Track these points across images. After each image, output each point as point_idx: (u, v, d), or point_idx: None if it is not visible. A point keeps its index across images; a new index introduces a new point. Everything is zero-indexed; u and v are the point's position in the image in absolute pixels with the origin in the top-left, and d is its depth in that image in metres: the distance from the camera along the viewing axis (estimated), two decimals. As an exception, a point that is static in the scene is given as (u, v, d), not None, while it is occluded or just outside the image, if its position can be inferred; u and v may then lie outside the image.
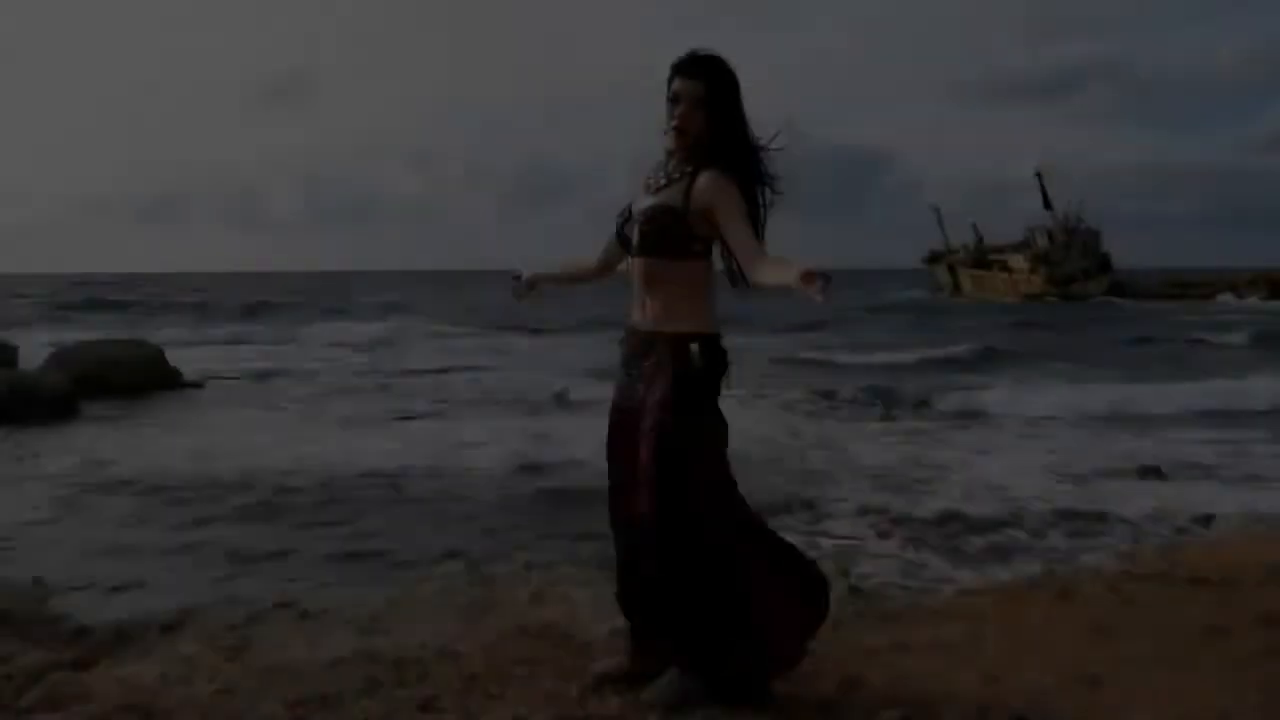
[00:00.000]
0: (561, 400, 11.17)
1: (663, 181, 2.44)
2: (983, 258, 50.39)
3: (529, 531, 5.35)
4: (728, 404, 2.49)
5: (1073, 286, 44.31)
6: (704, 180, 2.37)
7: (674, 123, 2.39)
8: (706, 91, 2.34)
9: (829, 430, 9.25)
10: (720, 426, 2.41)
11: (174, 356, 12.49)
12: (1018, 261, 46.95)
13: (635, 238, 2.44)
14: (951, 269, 52.40)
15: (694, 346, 2.38)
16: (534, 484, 6.64)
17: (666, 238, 2.37)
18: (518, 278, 2.66)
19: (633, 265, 2.47)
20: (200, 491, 6.33)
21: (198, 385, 12.21)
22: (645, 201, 2.45)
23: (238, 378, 13.76)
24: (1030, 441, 8.75)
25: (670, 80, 2.39)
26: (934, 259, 54.82)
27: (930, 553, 4.98)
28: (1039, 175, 47.70)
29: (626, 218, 2.49)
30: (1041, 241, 46.50)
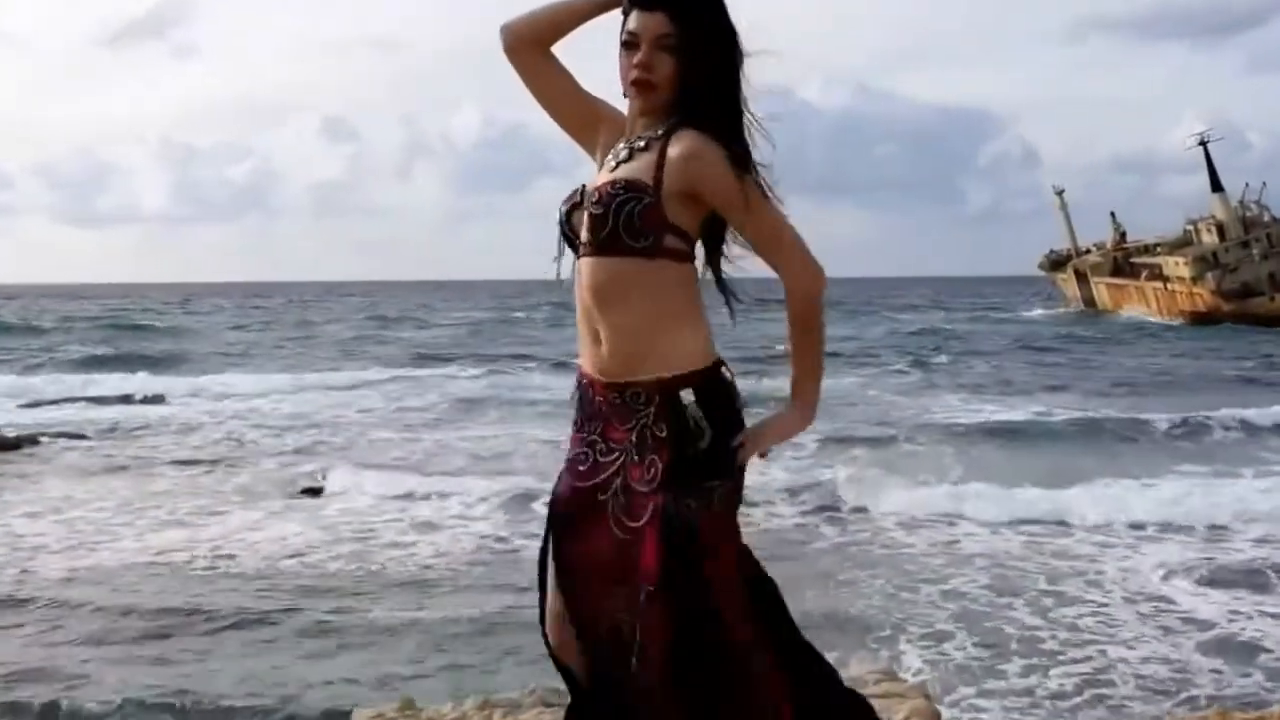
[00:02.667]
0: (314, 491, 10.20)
1: (623, 155, 2.29)
2: (1125, 261, 47.72)
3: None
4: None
5: (1252, 302, 39.90)
6: (683, 146, 2.22)
7: (632, 74, 2.25)
8: (673, 26, 2.22)
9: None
10: (737, 497, 2.27)
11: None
12: (1176, 266, 43.51)
13: (584, 231, 2.27)
14: (1082, 276, 49.96)
15: (687, 397, 2.22)
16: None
17: (631, 228, 2.20)
18: None
19: (580, 274, 2.28)
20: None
21: (15, 446, 12.43)
22: (601, 179, 2.29)
23: (82, 436, 13.75)
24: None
25: (625, 16, 2.28)
26: (1057, 264, 52.47)
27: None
28: (1204, 144, 43.75)
29: (576, 203, 2.31)
30: (1208, 238, 42.60)
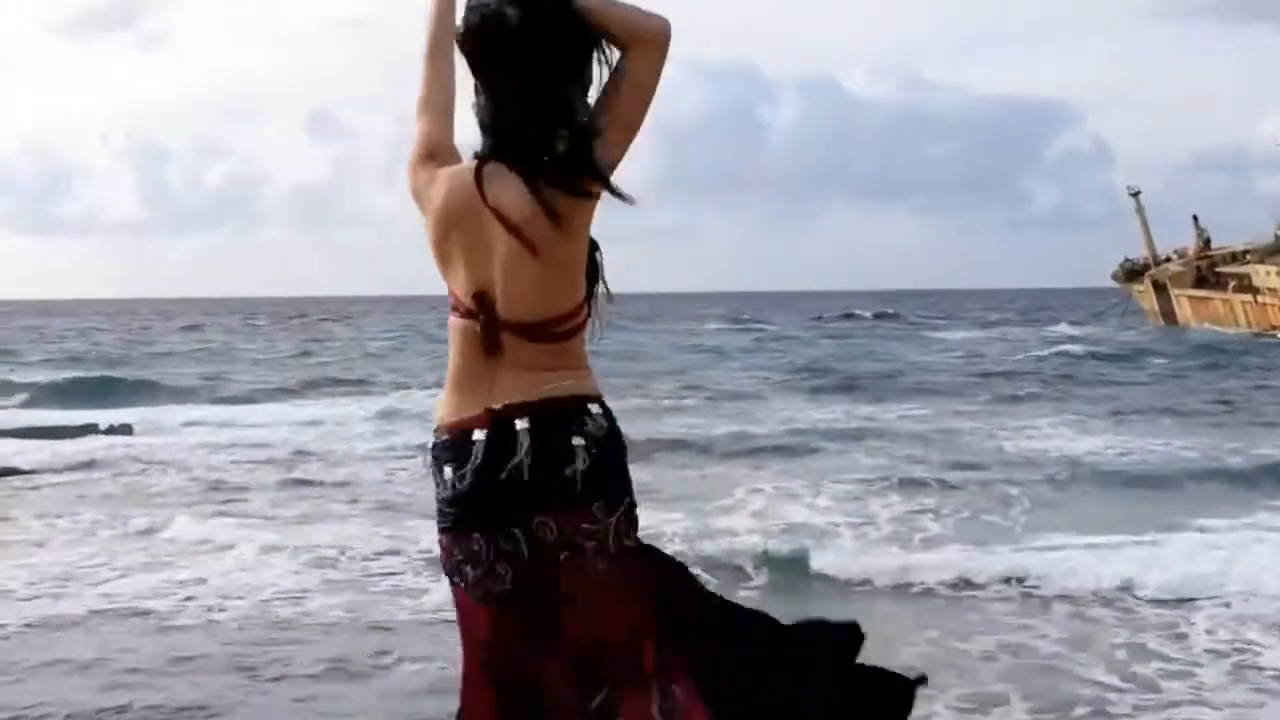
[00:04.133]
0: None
1: None
2: (1210, 270, 47.63)
3: None
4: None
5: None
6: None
7: None
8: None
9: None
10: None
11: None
12: (1267, 276, 43.64)
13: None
14: (1161, 288, 49.84)
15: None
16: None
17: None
18: None
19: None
20: None
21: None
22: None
23: (58, 471, 13.88)
24: None
25: None
26: (1133, 274, 52.36)
27: None
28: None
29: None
30: (1307, 245, 43.27)
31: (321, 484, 13.12)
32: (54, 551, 9.53)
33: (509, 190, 2.55)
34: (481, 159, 2.59)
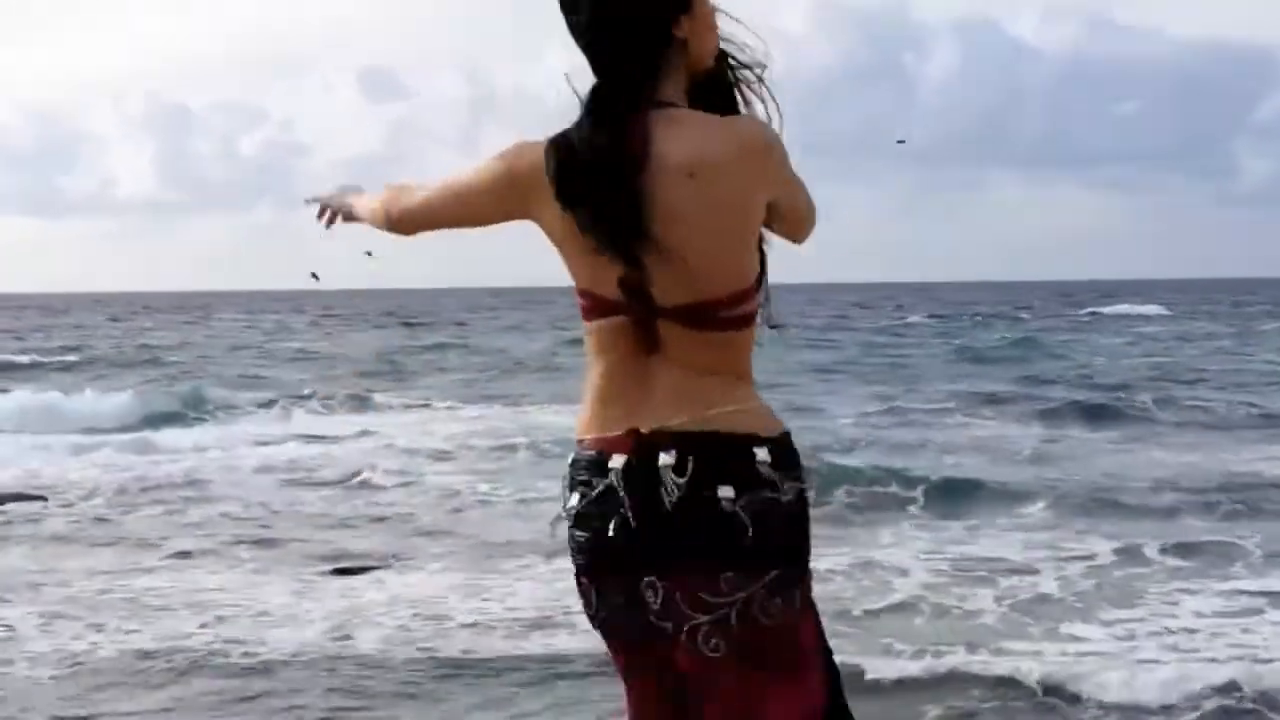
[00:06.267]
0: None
1: None
2: None
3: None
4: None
5: None
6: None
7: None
8: None
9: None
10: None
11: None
12: None
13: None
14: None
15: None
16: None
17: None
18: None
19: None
20: None
21: (40, 497, 13.68)
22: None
23: (41, 498, 14.14)
24: None
25: None
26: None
27: None
28: None
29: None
30: None
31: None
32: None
33: (678, 129, 2.58)
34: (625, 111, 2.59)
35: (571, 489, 2.66)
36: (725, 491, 2.53)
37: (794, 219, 2.76)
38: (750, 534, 2.53)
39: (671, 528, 2.54)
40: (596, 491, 2.61)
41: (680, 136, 2.56)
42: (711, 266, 2.56)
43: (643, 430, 2.58)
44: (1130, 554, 10.65)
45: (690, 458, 2.54)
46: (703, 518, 2.53)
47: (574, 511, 2.65)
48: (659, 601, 2.58)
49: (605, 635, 2.73)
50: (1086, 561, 10.50)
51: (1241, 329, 51.14)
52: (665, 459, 2.55)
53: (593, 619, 2.72)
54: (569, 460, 2.71)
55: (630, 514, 2.55)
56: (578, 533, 2.65)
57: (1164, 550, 10.76)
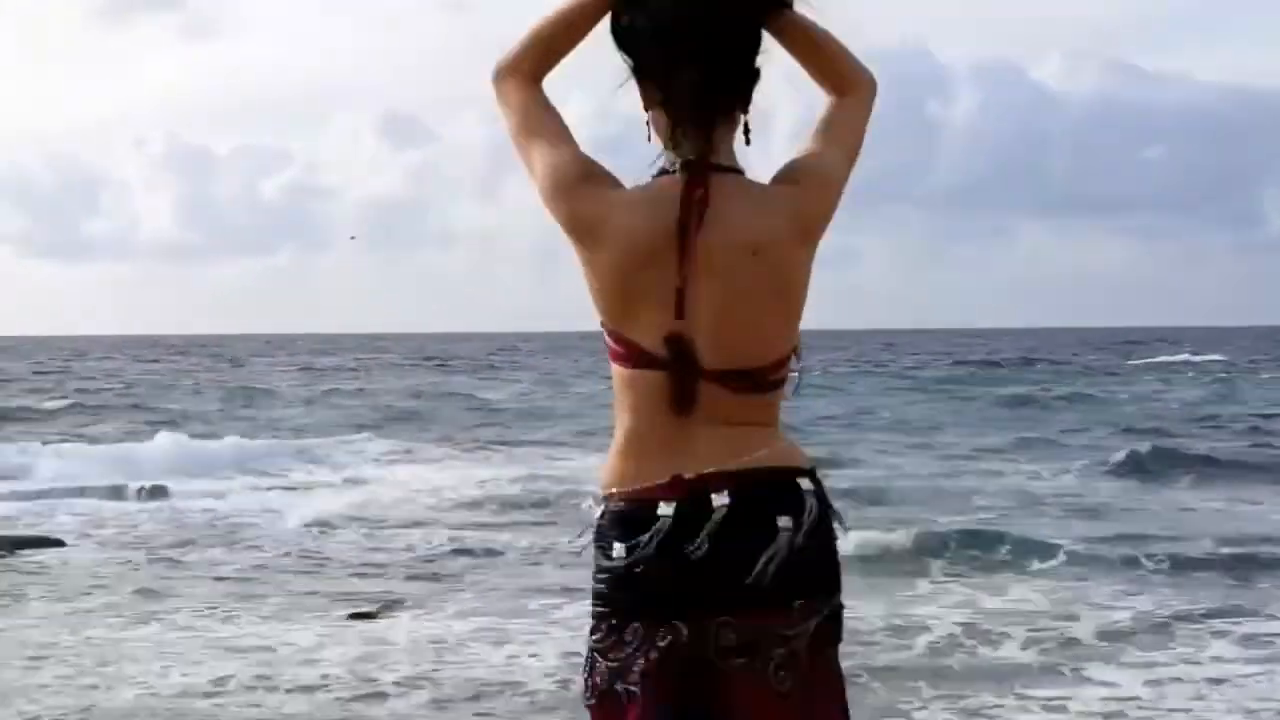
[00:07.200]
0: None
1: None
2: None
3: None
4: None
5: None
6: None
7: None
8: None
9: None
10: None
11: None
12: None
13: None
14: None
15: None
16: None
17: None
18: None
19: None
20: None
21: (59, 543, 13.95)
22: None
23: (59, 543, 14.26)
24: None
25: None
26: None
27: None
28: None
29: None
30: None
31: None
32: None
33: (743, 203, 2.60)
34: (694, 173, 2.58)
35: (612, 541, 2.63)
36: (784, 522, 2.56)
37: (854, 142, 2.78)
38: (814, 562, 2.58)
39: (737, 564, 2.54)
40: (648, 539, 2.57)
41: (742, 209, 2.59)
42: (763, 335, 2.61)
43: (686, 476, 2.57)
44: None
45: (742, 495, 2.55)
46: (760, 553, 2.54)
47: (622, 563, 2.60)
48: (736, 638, 2.55)
49: (636, 684, 2.61)
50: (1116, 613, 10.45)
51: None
52: (719, 499, 2.55)
53: (616, 673, 2.63)
54: (600, 514, 2.68)
55: (693, 556, 2.53)
56: (627, 584, 2.60)
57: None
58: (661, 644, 2.57)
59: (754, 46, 2.68)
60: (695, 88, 2.59)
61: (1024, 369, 58.89)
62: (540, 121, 2.74)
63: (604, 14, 2.73)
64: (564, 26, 2.77)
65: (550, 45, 2.77)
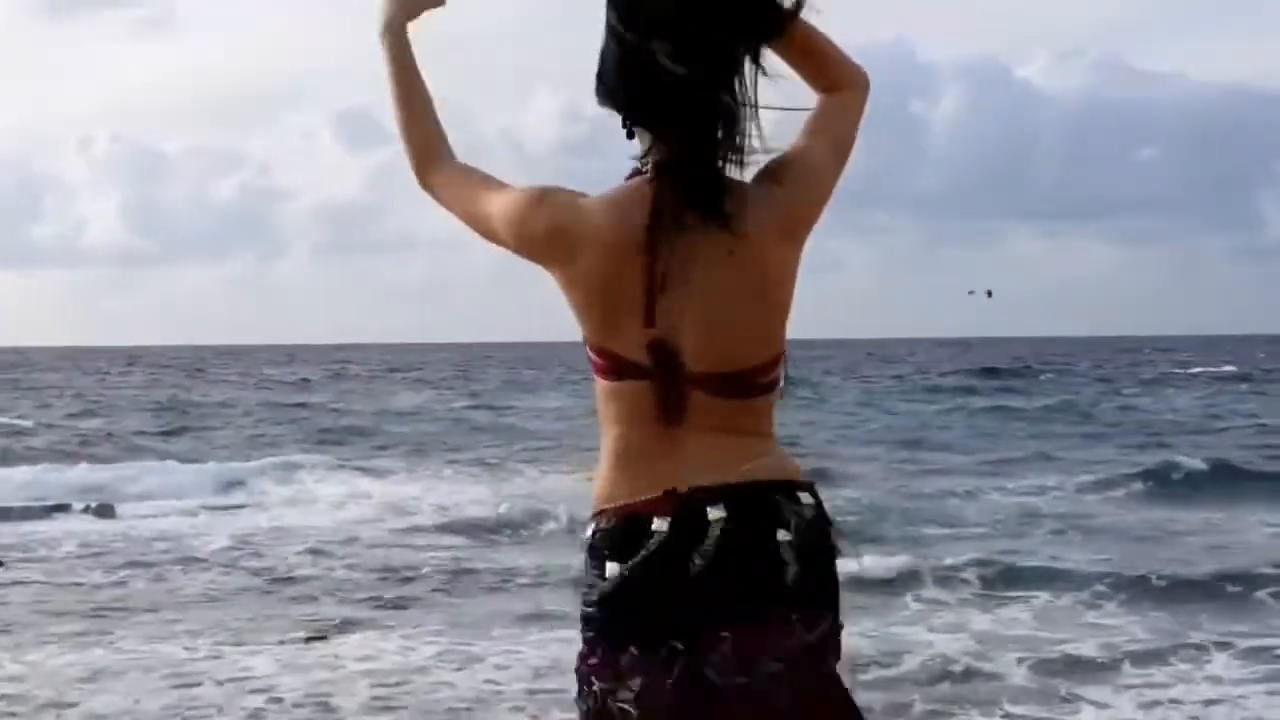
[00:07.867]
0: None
1: None
2: None
3: None
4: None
5: None
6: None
7: None
8: None
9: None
10: None
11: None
12: None
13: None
14: None
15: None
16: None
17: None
18: None
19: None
20: None
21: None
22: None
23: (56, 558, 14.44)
24: None
25: None
26: None
27: None
28: None
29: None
30: None
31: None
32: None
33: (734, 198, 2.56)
34: (668, 173, 2.56)
35: (604, 560, 2.60)
36: (782, 535, 2.54)
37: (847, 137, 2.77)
38: (813, 575, 2.55)
39: (735, 579, 2.51)
40: (642, 557, 2.55)
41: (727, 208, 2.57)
42: (748, 336, 2.58)
43: (680, 490, 2.54)
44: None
45: (740, 508, 2.53)
46: (764, 564, 2.52)
47: (614, 583, 2.57)
48: (734, 654, 2.52)
49: (632, 703, 2.59)
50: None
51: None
52: (715, 512, 2.53)
53: (611, 693, 2.59)
54: (590, 532, 2.66)
55: (691, 571, 2.51)
56: (622, 602, 2.57)
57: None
58: (658, 662, 2.54)
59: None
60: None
61: (1015, 379, 58.70)
62: (477, 184, 2.75)
63: (417, 78, 2.83)
64: (405, 100, 2.83)
65: (419, 122, 2.83)
